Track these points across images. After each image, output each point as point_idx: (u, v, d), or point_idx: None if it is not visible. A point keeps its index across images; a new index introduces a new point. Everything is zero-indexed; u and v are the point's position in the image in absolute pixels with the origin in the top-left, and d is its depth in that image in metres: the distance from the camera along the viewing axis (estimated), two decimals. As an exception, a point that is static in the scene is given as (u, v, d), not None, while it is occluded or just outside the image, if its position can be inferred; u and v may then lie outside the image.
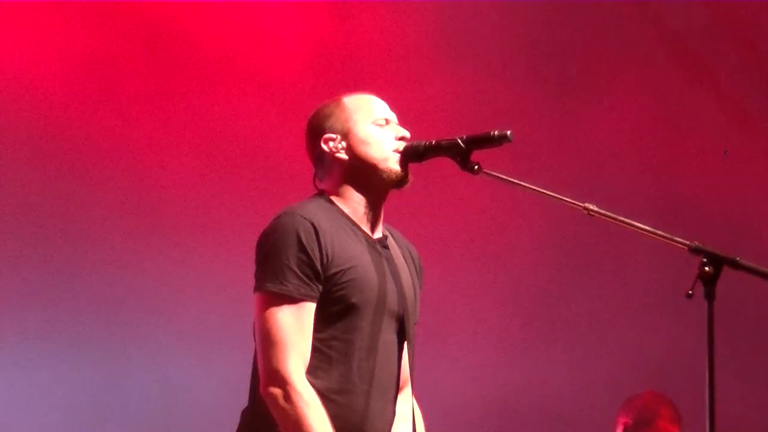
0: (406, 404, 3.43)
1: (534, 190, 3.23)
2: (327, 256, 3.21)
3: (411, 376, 3.41)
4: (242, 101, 5.91)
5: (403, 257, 3.45)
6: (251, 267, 3.25)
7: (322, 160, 3.40)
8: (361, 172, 3.35)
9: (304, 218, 3.22)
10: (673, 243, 3.08)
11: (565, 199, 3.20)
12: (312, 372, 3.20)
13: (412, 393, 3.44)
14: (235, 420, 3.34)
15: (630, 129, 6.42)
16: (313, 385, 3.18)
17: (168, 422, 5.65)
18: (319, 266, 3.20)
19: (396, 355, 3.34)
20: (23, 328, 5.55)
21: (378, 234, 3.39)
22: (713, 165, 6.45)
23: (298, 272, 3.18)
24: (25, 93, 5.61)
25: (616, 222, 3.15)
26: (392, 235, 3.47)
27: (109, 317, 5.67)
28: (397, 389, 3.37)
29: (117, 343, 5.66)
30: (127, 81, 5.76)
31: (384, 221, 3.43)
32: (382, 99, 3.47)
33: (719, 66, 6.53)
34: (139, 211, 5.76)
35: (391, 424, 3.34)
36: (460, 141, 3.30)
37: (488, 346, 6.20)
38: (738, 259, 2.99)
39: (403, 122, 3.45)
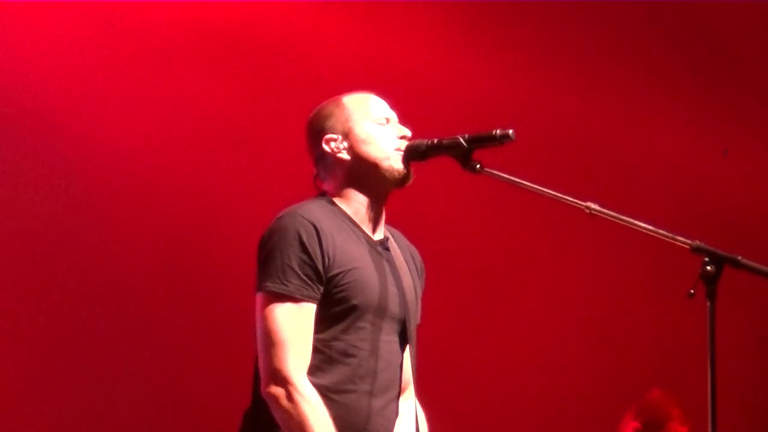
0: (409, 405, 3.43)
1: (535, 189, 3.23)
2: (328, 257, 3.21)
3: (413, 377, 3.41)
4: (245, 99, 5.91)
5: (405, 259, 3.45)
6: (253, 267, 3.25)
7: (323, 160, 3.40)
8: (362, 172, 3.35)
9: (306, 219, 3.22)
10: (674, 242, 3.08)
11: (567, 198, 3.20)
12: (312, 372, 3.20)
13: (416, 394, 3.44)
14: (236, 421, 3.34)
15: (631, 129, 6.42)
16: (314, 385, 3.18)
17: (169, 423, 5.64)
18: (320, 267, 3.20)
19: (397, 356, 3.35)
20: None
21: (379, 235, 3.39)
22: (713, 165, 6.44)
23: (300, 273, 3.18)
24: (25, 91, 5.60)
25: (618, 221, 3.15)
26: (394, 237, 3.47)
27: (108, 316, 5.66)
28: (399, 390, 3.37)
29: (115, 343, 5.65)
30: (126, 78, 5.75)
31: (386, 222, 3.43)
32: (381, 96, 3.47)
33: (719, 65, 6.53)
34: (138, 211, 5.74)
35: (393, 424, 3.35)
36: (462, 140, 3.30)
37: (491, 348, 6.20)
38: (740, 258, 2.99)
39: (403, 120, 3.45)
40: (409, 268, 3.44)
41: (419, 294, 3.47)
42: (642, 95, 6.46)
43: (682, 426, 5.04)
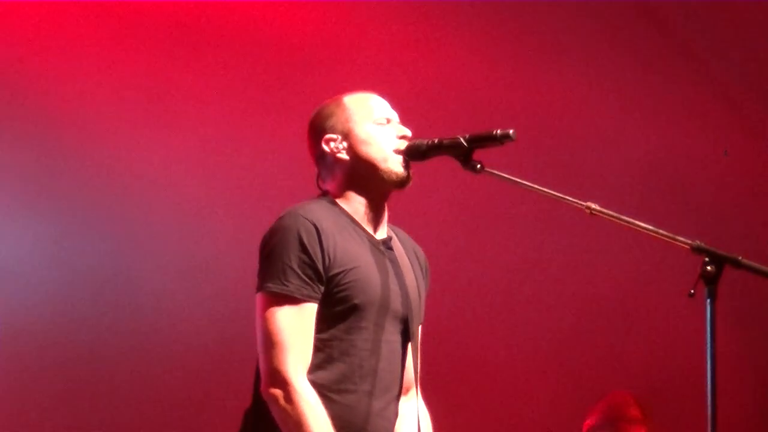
0: (411, 404, 3.44)
1: (536, 189, 3.24)
2: (329, 257, 3.21)
3: (416, 376, 3.41)
4: (246, 98, 5.90)
5: (409, 258, 3.44)
6: (253, 268, 3.25)
7: (323, 160, 3.40)
8: (362, 173, 3.35)
9: (306, 219, 3.22)
10: (674, 242, 3.08)
11: (568, 198, 3.20)
12: (312, 371, 3.20)
13: (419, 393, 3.44)
14: (236, 421, 3.34)
15: (631, 129, 6.42)
16: (314, 384, 3.18)
17: (169, 422, 5.64)
18: (320, 267, 3.20)
19: (399, 356, 3.35)
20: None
21: (382, 234, 3.39)
22: (713, 165, 6.44)
23: (300, 273, 3.18)
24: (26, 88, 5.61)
25: (619, 221, 3.15)
26: (398, 236, 3.47)
27: (108, 315, 5.65)
28: (401, 389, 3.37)
29: (116, 343, 5.64)
30: (125, 77, 5.75)
31: (389, 221, 3.43)
32: (382, 96, 3.47)
33: (719, 66, 6.53)
34: (138, 210, 5.74)
35: (394, 424, 3.35)
36: (462, 140, 3.30)
37: (492, 347, 6.20)
38: (740, 258, 2.99)
39: (403, 120, 3.45)
40: (413, 267, 3.44)
41: (423, 293, 3.46)
42: (642, 95, 6.45)
43: (634, 426, 5.05)
